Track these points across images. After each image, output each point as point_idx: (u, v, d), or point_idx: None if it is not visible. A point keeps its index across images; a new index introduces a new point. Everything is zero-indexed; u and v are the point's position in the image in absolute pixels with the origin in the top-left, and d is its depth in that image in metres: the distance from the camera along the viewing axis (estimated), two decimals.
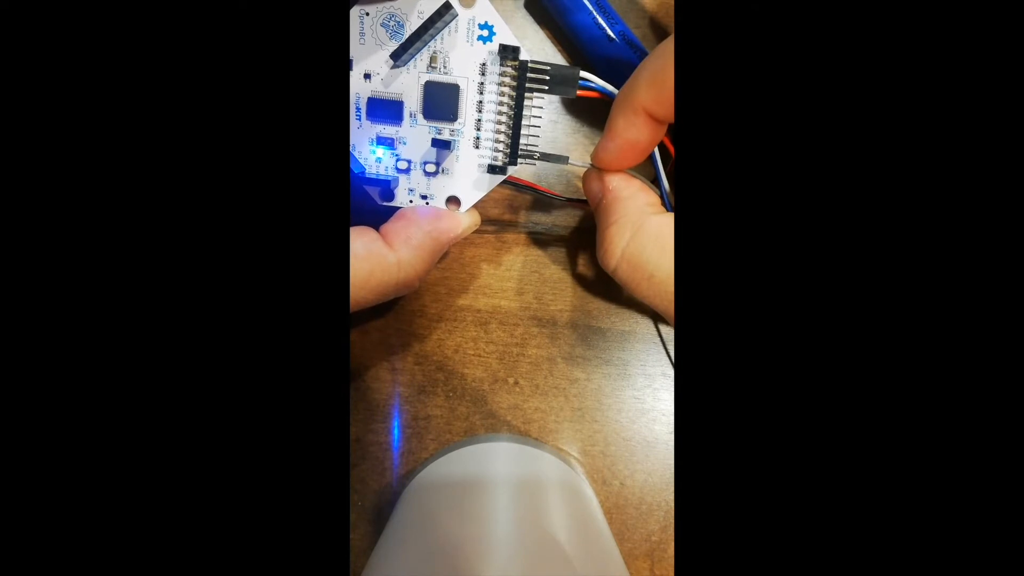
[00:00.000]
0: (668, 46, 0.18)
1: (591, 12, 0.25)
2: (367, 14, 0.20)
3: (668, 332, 0.28)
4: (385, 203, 0.22)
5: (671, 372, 0.27)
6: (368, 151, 0.22)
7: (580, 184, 0.26)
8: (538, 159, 0.22)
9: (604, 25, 0.25)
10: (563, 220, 0.27)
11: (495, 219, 0.27)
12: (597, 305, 0.27)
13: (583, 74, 0.21)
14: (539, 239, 0.27)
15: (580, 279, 0.28)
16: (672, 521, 0.28)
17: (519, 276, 0.27)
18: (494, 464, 0.25)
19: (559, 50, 0.27)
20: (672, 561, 0.28)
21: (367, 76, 0.21)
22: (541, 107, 0.21)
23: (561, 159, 0.22)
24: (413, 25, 0.20)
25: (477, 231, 0.27)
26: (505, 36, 0.21)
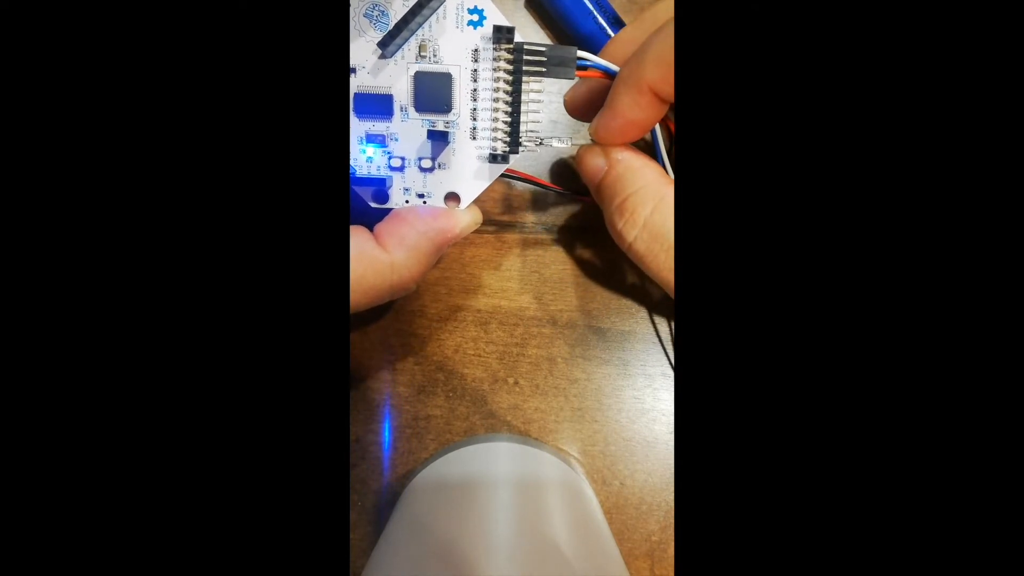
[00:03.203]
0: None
1: (591, 12, 0.25)
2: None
3: (668, 332, 0.28)
4: (379, 205, 0.21)
5: (671, 372, 0.27)
6: (358, 151, 0.21)
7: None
8: (540, 145, 0.21)
9: (604, 25, 0.25)
10: (563, 220, 0.27)
11: (495, 219, 0.27)
12: (597, 305, 0.27)
13: (581, 53, 0.20)
14: (539, 239, 0.27)
15: (580, 279, 0.28)
16: (672, 521, 0.27)
17: (519, 276, 0.27)
18: (494, 464, 0.25)
19: None
20: (672, 561, 0.28)
21: (352, 70, 0.20)
22: (540, 91, 0.20)
23: (564, 141, 0.21)
24: (397, 13, 0.19)
25: (476, 231, 0.27)
26: (497, 19, 0.20)
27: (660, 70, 0.18)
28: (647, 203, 0.20)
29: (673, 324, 0.27)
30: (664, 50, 0.18)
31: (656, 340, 0.28)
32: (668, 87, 0.18)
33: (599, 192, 0.21)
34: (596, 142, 0.21)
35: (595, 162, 0.21)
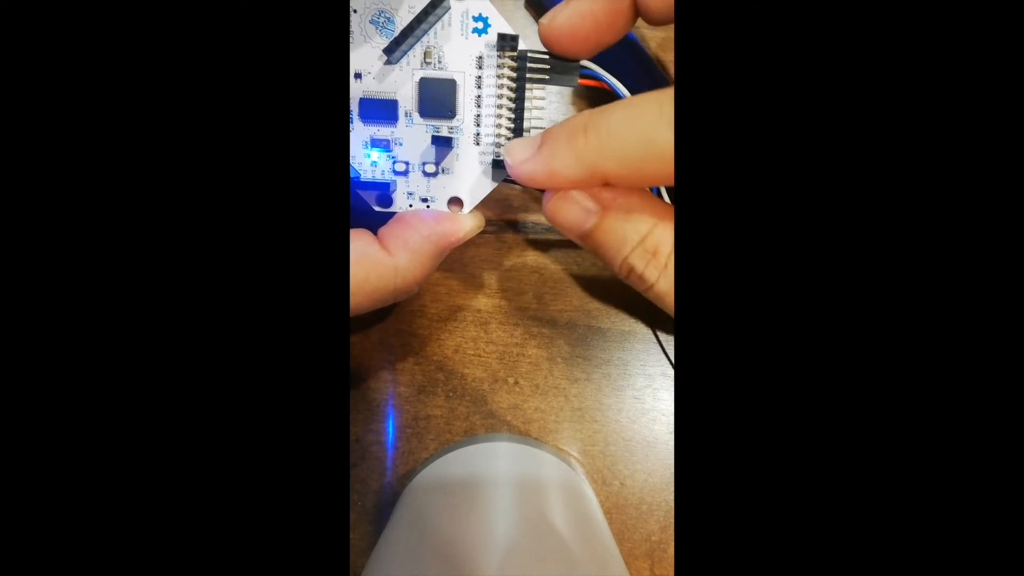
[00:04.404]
0: None
1: None
2: (355, 11, 0.20)
3: (668, 332, 0.28)
4: (383, 209, 0.22)
5: (671, 372, 0.27)
6: (363, 155, 0.21)
7: None
8: None
9: None
10: None
11: (495, 219, 0.27)
12: (597, 305, 0.27)
13: (584, 63, 0.20)
14: (539, 239, 0.27)
15: (580, 279, 0.28)
16: (672, 521, 0.28)
17: (519, 276, 0.27)
18: (494, 464, 0.25)
19: None
20: (672, 561, 0.28)
21: (358, 76, 0.20)
22: (543, 98, 0.21)
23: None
24: (403, 20, 0.20)
25: None
26: (501, 27, 0.20)
27: None
28: (668, 239, 0.17)
29: (673, 324, 0.27)
30: None
31: (656, 340, 0.28)
32: None
33: (593, 238, 0.18)
34: (547, 36, 0.19)
35: (579, 211, 0.18)
